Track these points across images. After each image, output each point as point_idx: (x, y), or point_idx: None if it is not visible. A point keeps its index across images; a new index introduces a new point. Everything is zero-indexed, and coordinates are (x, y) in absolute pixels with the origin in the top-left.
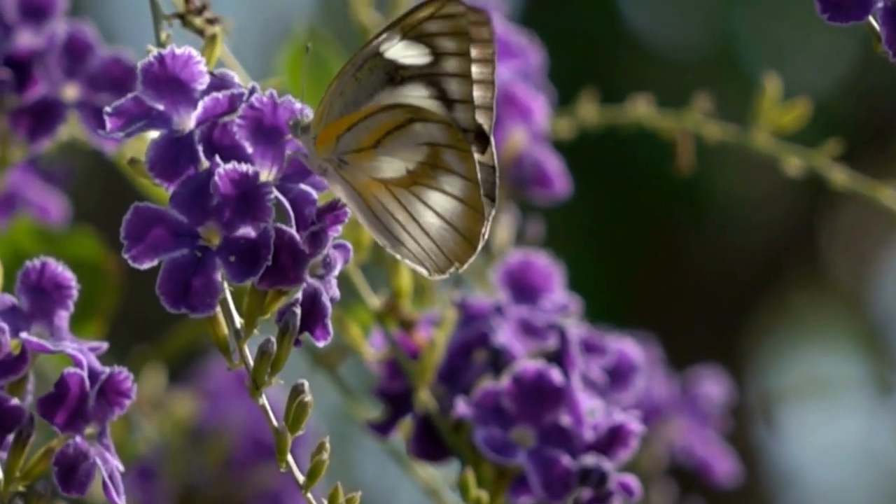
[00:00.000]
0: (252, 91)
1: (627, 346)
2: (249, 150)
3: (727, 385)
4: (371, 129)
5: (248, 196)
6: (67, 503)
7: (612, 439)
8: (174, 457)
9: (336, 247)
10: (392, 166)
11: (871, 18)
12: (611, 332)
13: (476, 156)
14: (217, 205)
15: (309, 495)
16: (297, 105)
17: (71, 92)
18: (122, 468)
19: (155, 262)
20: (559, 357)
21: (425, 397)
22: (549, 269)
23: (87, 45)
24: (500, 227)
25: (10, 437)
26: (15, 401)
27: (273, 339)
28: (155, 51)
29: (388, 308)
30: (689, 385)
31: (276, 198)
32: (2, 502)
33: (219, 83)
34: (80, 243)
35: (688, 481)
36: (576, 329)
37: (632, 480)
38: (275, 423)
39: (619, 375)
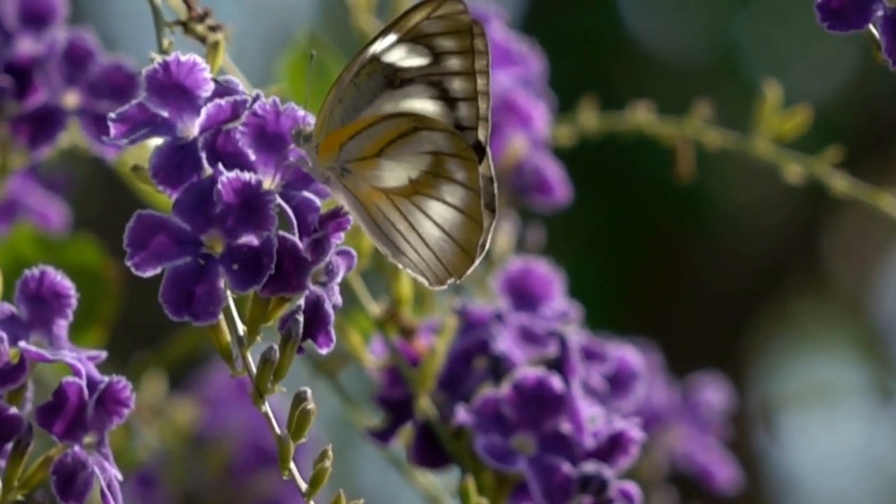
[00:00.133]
0: (255, 98)
1: (628, 354)
2: (252, 157)
3: (728, 392)
4: (374, 138)
5: (251, 204)
6: None
7: (612, 447)
8: (174, 464)
9: (339, 253)
10: (394, 175)
11: (871, 27)
12: (611, 339)
13: None
14: (220, 212)
15: (312, 503)
16: (300, 112)
17: (71, 99)
18: (120, 477)
19: (158, 270)
20: (559, 364)
21: (425, 404)
22: (549, 276)
23: (87, 52)
24: (501, 234)
25: (9, 446)
26: (13, 410)
27: (276, 347)
28: (159, 58)
29: (388, 315)
30: (690, 392)
31: (279, 205)
32: None
33: (223, 90)
34: (81, 250)
35: (688, 488)
36: (576, 336)
37: (632, 488)
38: (277, 430)
39: (619, 382)
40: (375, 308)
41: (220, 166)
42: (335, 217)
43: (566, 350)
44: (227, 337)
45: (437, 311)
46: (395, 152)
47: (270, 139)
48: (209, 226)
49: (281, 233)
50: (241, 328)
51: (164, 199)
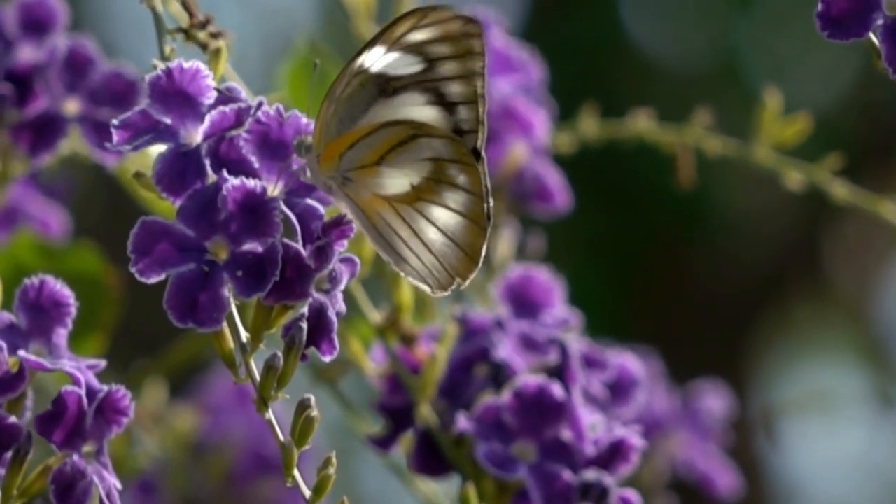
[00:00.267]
0: (259, 105)
1: (628, 361)
2: (256, 164)
3: (728, 399)
4: (374, 146)
5: (255, 211)
6: None
7: (613, 454)
8: (175, 471)
9: (342, 261)
10: (396, 182)
11: (871, 35)
12: (612, 346)
13: None
14: (224, 219)
15: None
16: (304, 120)
17: (72, 106)
18: (119, 486)
19: (162, 277)
20: (560, 372)
21: (426, 412)
22: (549, 283)
23: (88, 60)
24: (501, 241)
25: (8, 455)
26: (13, 419)
27: (279, 354)
28: (161, 65)
29: (389, 323)
30: (691, 399)
31: (283, 212)
32: None
33: (226, 97)
34: (81, 258)
35: (689, 495)
36: (576, 344)
37: (633, 495)
38: (281, 437)
39: (619, 390)
40: (376, 315)
41: (225, 173)
42: (339, 225)
43: (567, 357)
44: (231, 344)
45: (437, 318)
46: (395, 160)
47: (274, 146)
48: (213, 232)
49: (284, 240)
50: (244, 335)
51: (165, 206)
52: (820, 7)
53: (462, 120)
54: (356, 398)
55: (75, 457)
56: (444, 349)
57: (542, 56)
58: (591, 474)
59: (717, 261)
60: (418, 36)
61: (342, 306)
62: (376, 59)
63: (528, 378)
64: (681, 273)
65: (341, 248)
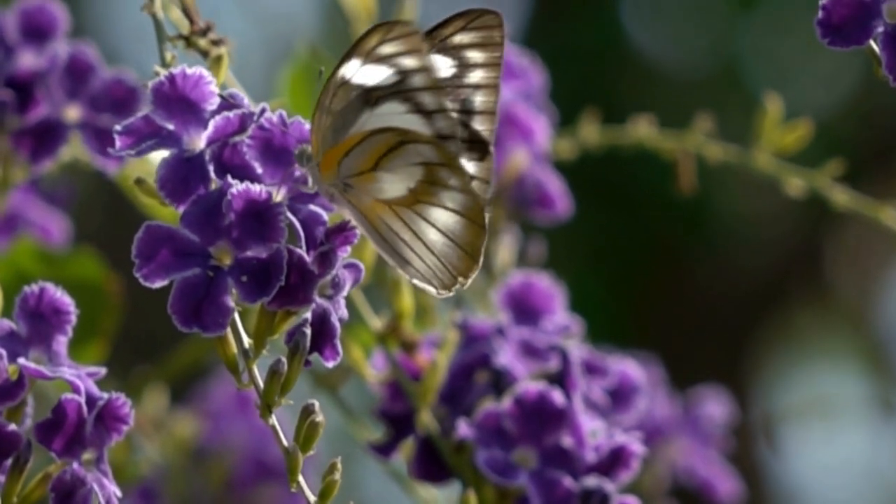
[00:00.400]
0: (262, 111)
1: (629, 368)
2: (259, 170)
3: (729, 405)
4: (367, 153)
5: (260, 217)
6: None
7: (613, 461)
8: (176, 477)
9: (346, 266)
10: (394, 187)
11: (871, 43)
12: (613, 352)
13: (472, 166)
14: (229, 224)
15: None
16: (306, 126)
17: (73, 113)
18: (119, 494)
19: (166, 282)
20: (561, 378)
21: (427, 419)
22: (550, 290)
23: (88, 66)
24: (502, 247)
25: (8, 463)
26: (12, 426)
27: (283, 360)
28: (163, 72)
29: (389, 329)
30: (692, 405)
31: (288, 218)
32: None
33: (229, 103)
34: (82, 264)
35: (690, 502)
36: (577, 350)
37: (634, 501)
38: (285, 443)
39: (620, 397)
40: (377, 322)
41: (230, 178)
42: (342, 230)
43: (567, 364)
44: (234, 349)
45: (438, 325)
46: (389, 165)
47: (277, 152)
48: (218, 237)
49: (289, 246)
50: (247, 341)
51: (165, 212)
52: (820, 14)
53: (440, 128)
54: (357, 405)
55: (75, 464)
56: (445, 356)
57: (543, 62)
58: (591, 481)
59: (718, 267)
60: (387, 49)
61: (345, 312)
62: (355, 72)
63: (528, 385)
64: (681, 279)
65: (345, 253)
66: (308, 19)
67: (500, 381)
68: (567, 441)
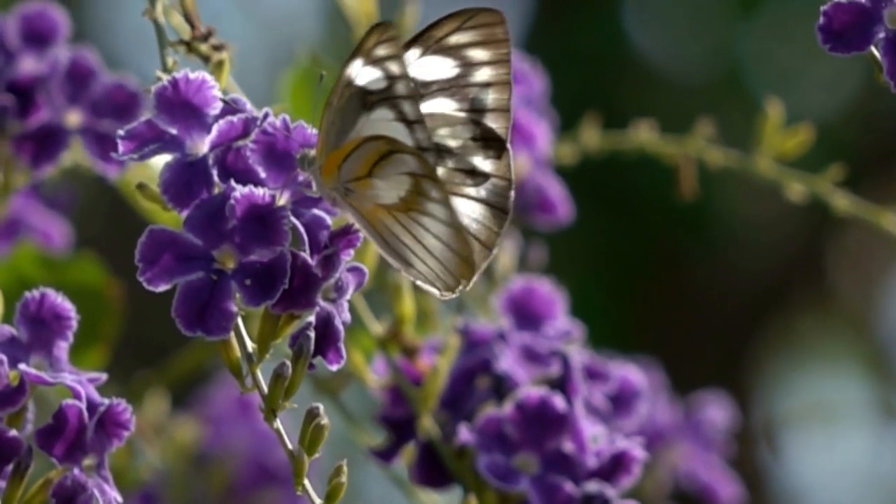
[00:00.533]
0: (265, 116)
1: (630, 373)
2: (262, 174)
3: (731, 409)
4: (362, 159)
5: (264, 220)
6: None
7: (615, 466)
8: (177, 482)
9: (349, 270)
10: (388, 193)
11: (872, 49)
12: (614, 357)
13: (490, 164)
14: (232, 228)
15: None
16: (309, 130)
17: (74, 118)
18: (120, 499)
19: (170, 286)
20: (562, 384)
21: (428, 424)
22: (551, 295)
23: (89, 71)
24: (503, 253)
25: (9, 468)
26: (13, 432)
27: (288, 363)
28: (165, 77)
29: (390, 334)
30: (693, 410)
31: (291, 222)
32: None
33: (232, 108)
34: (83, 269)
35: None
36: (578, 356)
37: None
38: (290, 446)
39: (621, 402)
40: (378, 327)
41: (233, 182)
42: (346, 234)
43: (569, 369)
44: (238, 353)
45: (439, 330)
46: (382, 172)
47: (280, 157)
48: (221, 241)
49: (292, 249)
50: (251, 345)
51: (167, 217)
52: (821, 20)
53: (418, 139)
54: (358, 410)
55: (76, 470)
56: (446, 361)
57: (544, 66)
58: (593, 486)
59: (719, 271)
60: (381, 51)
61: (348, 316)
62: (357, 72)
63: (530, 390)
64: (683, 284)
65: (348, 256)
66: (309, 24)
67: (502, 387)
68: (568, 446)
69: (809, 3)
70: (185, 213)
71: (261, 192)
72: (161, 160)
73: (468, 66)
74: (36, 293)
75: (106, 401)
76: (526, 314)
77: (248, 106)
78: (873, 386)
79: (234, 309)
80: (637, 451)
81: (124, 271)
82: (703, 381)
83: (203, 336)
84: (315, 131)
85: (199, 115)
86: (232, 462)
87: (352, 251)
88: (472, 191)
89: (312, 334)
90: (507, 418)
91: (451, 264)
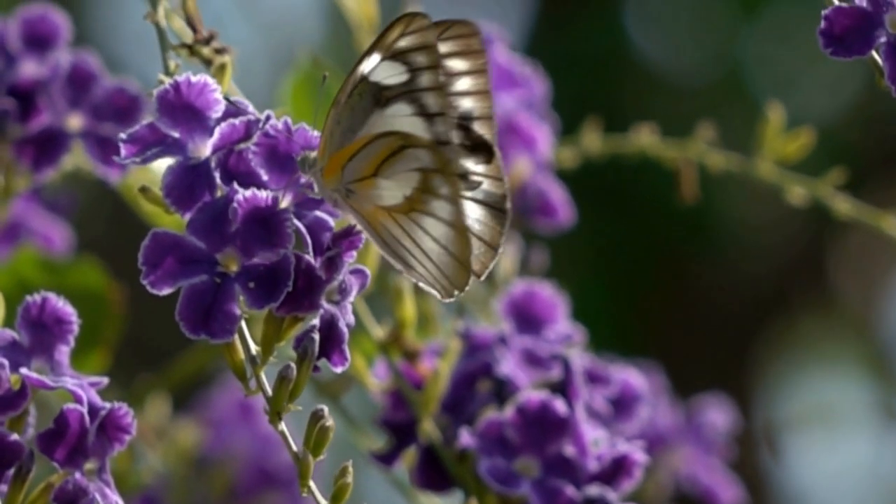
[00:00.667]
0: (267, 118)
1: (631, 377)
2: (265, 177)
3: (732, 412)
4: (369, 158)
5: (267, 222)
6: None
7: (616, 470)
8: (178, 486)
9: (352, 272)
10: (391, 194)
11: (874, 53)
12: (616, 360)
13: (482, 168)
14: (236, 231)
15: None
16: (311, 133)
17: (75, 122)
18: (121, 503)
19: (173, 289)
20: (563, 387)
21: (429, 427)
22: (553, 299)
23: (91, 75)
24: (504, 256)
25: (10, 473)
26: (14, 436)
27: (293, 365)
28: (167, 80)
29: (391, 338)
30: (694, 413)
31: (294, 225)
32: None
33: (233, 111)
34: (84, 273)
35: None
36: (579, 359)
37: None
38: (295, 448)
39: (622, 405)
40: (379, 331)
41: (235, 185)
42: (348, 235)
43: (570, 373)
44: (242, 355)
45: (440, 334)
46: (388, 171)
47: (282, 159)
48: (224, 244)
49: (296, 251)
50: (254, 348)
51: (168, 220)
52: (822, 25)
53: (439, 132)
54: (359, 413)
55: (77, 474)
56: (447, 365)
57: (545, 70)
58: (594, 490)
59: (721, 274)
60: (403, 43)
61: (352, 318)
62: (374, 67)
63: (531, 394)
64: (684, 287)
65: (351, 258)
66: (311, 28)
67: (503, 390)
68: (569, 450)
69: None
70: (187, 217)
71: (263, 195)
72: (163, 163)
73: (449, 76)
74: (37, 297)
75: (107, 405)
76: (527, 318)
77: (251, 108)
78: (874, 388)
79: (238, 312)
80: (638, 454)
81: (125, 275)
82: (704, 384)
83: (207, 339)
84: (317, 133)
85: (201, 119)
86: (233, 465)
87: (354, 253)
88: (468, 193)
89: (317, 336)
90: (508, 422)
91: (447, 269)
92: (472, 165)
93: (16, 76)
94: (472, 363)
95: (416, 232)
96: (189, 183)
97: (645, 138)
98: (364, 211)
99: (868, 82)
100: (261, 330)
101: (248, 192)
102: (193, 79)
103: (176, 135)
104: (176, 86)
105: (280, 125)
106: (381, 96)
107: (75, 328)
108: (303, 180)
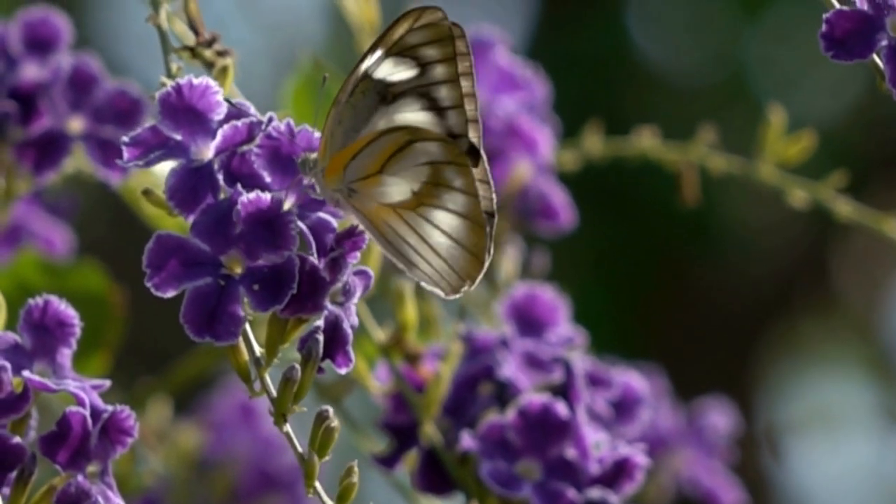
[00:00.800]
0: (270, 120)
1: (633, 379)
2: (268, 178)
3: (734, 415)
4: (374, 155)
5: (271, 224)
6: None
7: (617, 473)
8: (180, 489)
9: (356, 273)
10: (398, 189)
11: (875, 57)
12: (617, 363)
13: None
14: (240, 233)
15: None
16: (314, 134)
17: (76, 124)
18: None
19: (178, 291)
20: (564, 390)
21: (431, 430)
22: (554, 301)
23: (92, 78)
24: (506, 259)
25: (13, 475)
26: (17, 439)
27: (297, 367)
28: (169, 83)
29: (393, 341)
30: (696, 415)
31: (298, 226)
32: None
33: (235, 113)
34: (86, 276)
35: None
36: (581, 362)
37: None
38: (300, 449)
39: (624, 408)
40: (380, 334)
41: (239, 187)
42: (351, 236)
43: (571, 376)
44: (246, 357)
45: (442, 336)
46: (395, 167)
47: (285, 161)
48: (228, 246)
49: (300, 253)
50: (258, 349)
51: (170, 223)
52: (824, 28)
53: (452, 125)
54: (360, 416)
55: (80, 477)
56: (449, 367)
57: (546, 72)
58: (595, 493)
59: (722, 277)
60: (413, 38)
61: (356, 319)
62: (378, 65)
63: (532, 396)
64: (686, 290)
65: (354, 259)
66: (312, 30)
67: (504, 393)
68: (571, 453)
69: (812, 8)
70: (191, 219)
71: (267, 197)
72: (164, 167)
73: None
74: (39, 300)
75: (109, 407)
76: (528, 321)
77: (253, 111)
78: (876, 390)
79: (243, 314)
80: (640, 457)
81: (127, 277)
82: (705, 386)
83: (212, 341)
84: (319, 134)
85: (203, 121)
86: (234, 468)
87: (358, 254)
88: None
89: (321, 338)
90: (509, 425)
91: (457, 262)
92: None
93: (17, 79)
94: (474, 366)
95: (424, 227)
96: (192, 185)
97: (646, 141)
98: (366, 210)
99: (869, 85)
100: (265, 332)
101: (252, 195)
102: (195, 81)
103: (178, 137)
104: (178, 88)
105: (282, 126)
106: (387, 93)
107: (77, 331)
108: (306, 181)
